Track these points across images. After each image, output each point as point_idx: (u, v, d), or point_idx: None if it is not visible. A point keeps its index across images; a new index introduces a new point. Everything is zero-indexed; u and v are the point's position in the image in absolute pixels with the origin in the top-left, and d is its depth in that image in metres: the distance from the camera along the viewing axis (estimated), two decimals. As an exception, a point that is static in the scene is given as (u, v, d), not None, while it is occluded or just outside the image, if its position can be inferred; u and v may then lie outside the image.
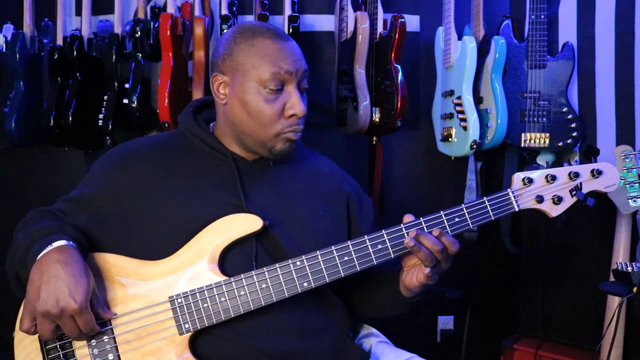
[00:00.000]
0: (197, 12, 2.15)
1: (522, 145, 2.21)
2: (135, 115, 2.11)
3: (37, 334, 1.03)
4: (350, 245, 1.11)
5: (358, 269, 1.11)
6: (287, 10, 2.19)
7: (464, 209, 1.14)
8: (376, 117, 2.14)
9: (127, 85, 2.14)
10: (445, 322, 2.50)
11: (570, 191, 1.16)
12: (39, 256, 1.04)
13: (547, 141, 2.19)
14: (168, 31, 2.05)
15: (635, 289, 1.47)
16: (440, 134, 2.23)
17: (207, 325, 1.09)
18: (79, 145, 2.18)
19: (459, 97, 2.11)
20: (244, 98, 1.18)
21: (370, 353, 1.28)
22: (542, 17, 2.18)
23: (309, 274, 1.10)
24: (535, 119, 2.20)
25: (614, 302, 1.71)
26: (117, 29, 2.22)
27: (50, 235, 1.07)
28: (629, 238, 1.76)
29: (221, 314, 1.09)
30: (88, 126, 2.14)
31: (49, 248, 1.04)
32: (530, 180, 1.16)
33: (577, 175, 1.17)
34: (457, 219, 1.15)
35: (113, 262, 1.13)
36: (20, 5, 2.20)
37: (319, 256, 1.11)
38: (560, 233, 2.02)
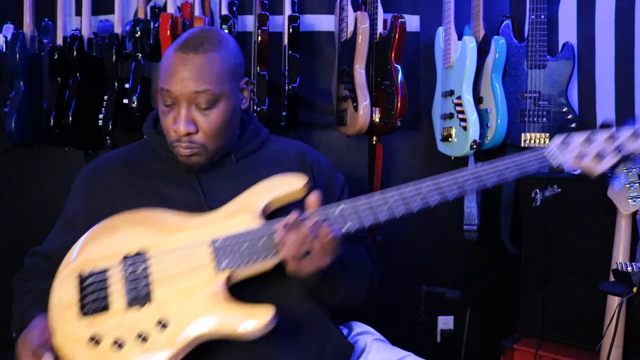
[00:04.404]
0: (197, 12, 2.15)
1: (522, 145, 2.21)
2: (135, 115, 2.11)
3: None
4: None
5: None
6: (287, 10, 2.20)
7: (499, 163, 1.15)
8: (376, 117, 2.14)
9: (127, 85, 2.14)
10: (445, 322, 2.50)
11: (612, 151, 1.17)
12: None
13: (547, 141, 2.19)
14: (168, 31, 2.05)
15: (635, 289, 1.47)
16: (440, 134, 2.23)
17: (246, 264, 1.09)
18: (79, 145, 2.18)
19: (459, 97, 2.11)
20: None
21: (364, 350, 1.28)
22: (542, 17, 2.18)
23: (349, 217, 1.11)
24: (535, 119, 2.20)
25: (614, 302, 1.71)
26: (117, 29, 2.21)
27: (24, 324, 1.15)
28: (629, 238, 1.75)
29: (261, 254, 1.09)
30: (88, 126, 2.14)
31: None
32: (569, 142, 1.17)
33: (616, 137, 1.17)
34: (491, 173, 1.15)
35: (156, 213, 1.18)
36: (20, 5, 2.20)
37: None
38: (560, 233, 2.02)
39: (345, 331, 1.32)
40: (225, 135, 1.23)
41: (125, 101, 2.12)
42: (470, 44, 2.10)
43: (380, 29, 2.16)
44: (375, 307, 1.84)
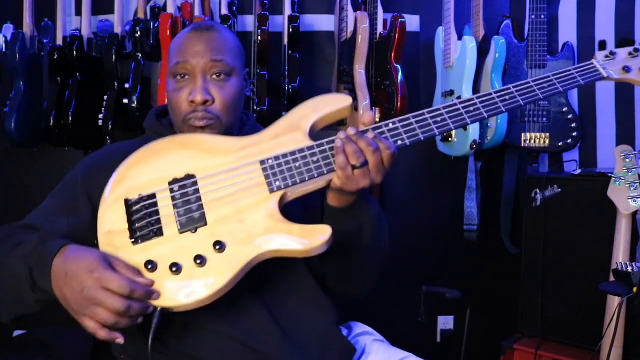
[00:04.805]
0: (197, 12, 2.15)
1: (522, 145, 2.21)
2: (135, 115, 2.11)
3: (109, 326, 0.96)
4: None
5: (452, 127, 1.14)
6: (287, 10, 2.20)
7: (552, 76, 1.17)
8: (376, 117, 2.14)
9: (127, 85, 2.14)
10: (445, 322, 2.50)
11: None
12: (51, 273, 0.99)
13: (547, 141, 2.19)
14: (168, 31, 2.05)
15: (635, 289, 1.47)
16: (440, 134, 2.23)
17: (298, 182, 1.07)
18: (79, 145, 2.18)
19: (459, 97, 2.11)
20: (166, 89, 1.25)
21: (364, 351, 1.28)
22: (542, 17, 2.18)
23: (402, 132, 1.11)
24: (535, 119, 2.20)
25: (614, 302, 1.71)
26: (117, 29, 2.22)
27: (45, 250, 1.02)
28: (629, 238, 1.75)
29: (314, 171, 1.07)
30: (88, 126, 2.14)
31: (55, 261, 1.00)
32: (614, 54, 1.23)
33: None
34: (546, 85, 1.17)
35: (199, 136, 1.15)
36: (20, 5, 2.20)
37: (411, 117, 1.12)
38: (560, 233, 2.02)
39: (344, 332, 1.31)
40: (236, 111, 1.24)
41: (125, 101, 2.12)
42: (470, 44, 2.10)
43: (380, 29, 2.16)
44: (375, 307, 1.84)
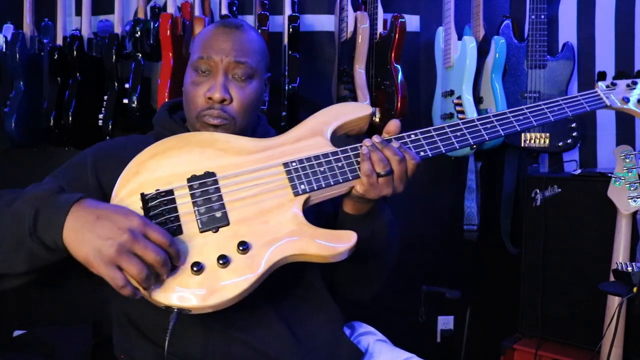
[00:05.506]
0: (197, 12, 2.15)
1: (522, 145, 2.21)
2: (135, 115, 2.11)
3: (136, 285, 0.90)
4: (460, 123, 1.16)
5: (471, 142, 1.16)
6: (287, 10, 2.20)
7: (561, 101, 1.23)
8: (376, 117, 2.14)
9: (127, 85, 2.14)
10: (445, 322, 2.50)
11: None
12: (67, 217, 0.90)
13: (547, 141, 2.19)
14: (168, 31, 2.05)
15: (635, 289, 1.47)
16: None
17: (323, 187, 1.07)
18: (79, 145, 2.18)
19: (459, 97, 2.11)
20: (184, 81, 1.23)
21: (367, 351, 1.28)
22: (542, 17, 2.18)
23: (424, 144, 1.12)
24: (535, 119, 2.20)
25: (614, 302, 1.71)
26: (117, 29, 2.22)
27: (61, 196, 0.93)
28: (629, 238, 1.75)
29: (339, 176, 1.08)
30: (88, 126, 2.14)
31: (75, 207, 0.92)
32: (615, 84, 1.31)
33: None
34: (556, 109, 1.22)
35: (217, 135, 1.13)
36: (20, 5, 2.20)
37: (432, 130, 1.14)
38: (561, 233, 2.02)
39: (347, 332, 1.31)
40: (252, 115, 1.23)
41: (125, 101, 2.12)
42: (470, 44, 2.10)
43: (380, 29, 2.16)
44: (375, 307, 1.84)
